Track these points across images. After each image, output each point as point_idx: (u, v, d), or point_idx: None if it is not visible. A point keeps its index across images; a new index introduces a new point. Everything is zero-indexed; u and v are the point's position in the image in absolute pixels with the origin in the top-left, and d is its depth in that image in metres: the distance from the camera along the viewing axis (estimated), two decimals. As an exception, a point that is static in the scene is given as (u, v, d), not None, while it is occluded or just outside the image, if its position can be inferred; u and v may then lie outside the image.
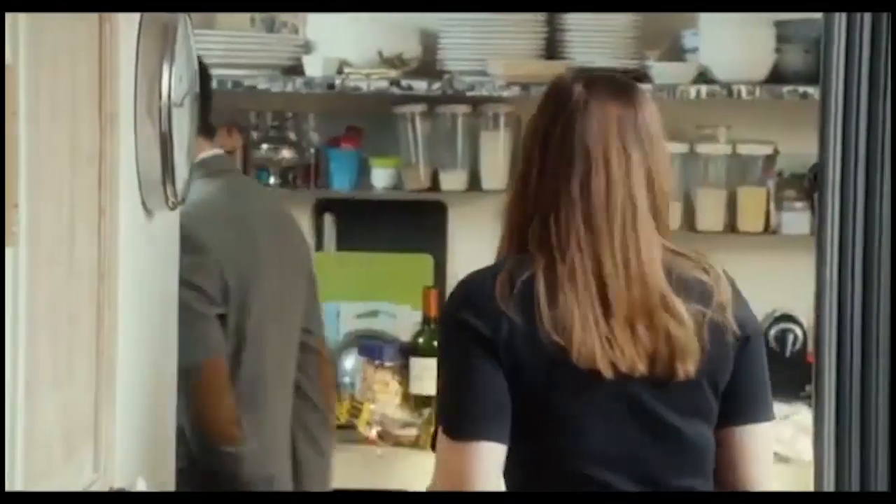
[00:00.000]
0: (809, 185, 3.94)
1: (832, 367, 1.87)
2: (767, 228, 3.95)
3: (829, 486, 1.82)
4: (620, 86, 2.29)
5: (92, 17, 1.98)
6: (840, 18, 1.80)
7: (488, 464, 2.18)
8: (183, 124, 2.53)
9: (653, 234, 2.18)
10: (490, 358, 2.16)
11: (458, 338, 2.20)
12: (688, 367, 2.13)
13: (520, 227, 2.24)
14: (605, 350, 2.14)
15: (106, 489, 2.00)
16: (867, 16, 1.73)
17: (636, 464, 2.19)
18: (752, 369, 2.18)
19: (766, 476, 2.19)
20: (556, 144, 2.21)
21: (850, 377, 1.78)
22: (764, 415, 2.17)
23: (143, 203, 2.38)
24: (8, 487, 1.58)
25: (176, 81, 2.39)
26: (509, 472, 2.20)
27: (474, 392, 2.17)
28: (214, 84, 3.78)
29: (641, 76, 3.80)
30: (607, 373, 2.13)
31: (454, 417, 2.18)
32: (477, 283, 2.23)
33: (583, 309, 2.14)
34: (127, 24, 2.18)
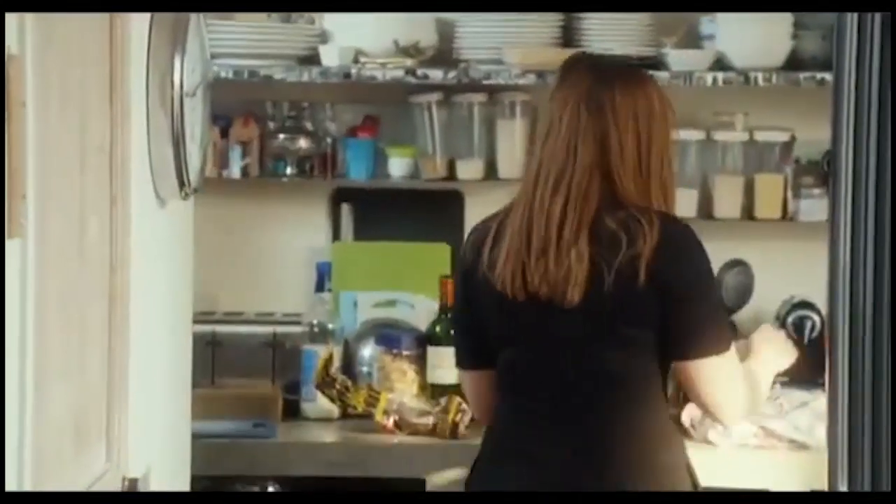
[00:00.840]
0: (824, 171, 3.93)
1: (845, 353, 1.86)
2: (785, 215, 3.93)
3: (842, 472, 1.81)
4: (606, 65, 2.71)
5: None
6: (852, 15, 1.79)
7: (479, 386, 2.76)
8: (196, 114, 2.54)
9: (590, 188, 2.58)
10: (464, 302, 2.72)
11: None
12: (574, 295, 2.54)
13: None
14: (517, 277, 2.58)
15: (118, 479, 2.00)
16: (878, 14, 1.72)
17: (547, 380, 2.61)
18: (678, 315, 2.54)
19: (717, 400, 2.58)
20: (545, 111, 2.67)
21: (861, 365, 1.78)
22: (698, 352, 2.55)
23: (156, 193, 2.38)
24: (18, 478, 1.58)
25: (188, 72, 2.40)
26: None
27: (458, 332, 2.81)
28: (231, 74, 3.80)
29: (653, 64, 3.79)
30: (519, 295, 2.57)
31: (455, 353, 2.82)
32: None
33: (510, 246, 2.59)
34: (138, 14, 2.18)
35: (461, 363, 2.81)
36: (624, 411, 2.59)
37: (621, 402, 2.60)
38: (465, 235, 2.82)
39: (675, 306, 2.55)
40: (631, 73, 2.71)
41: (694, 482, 2.62)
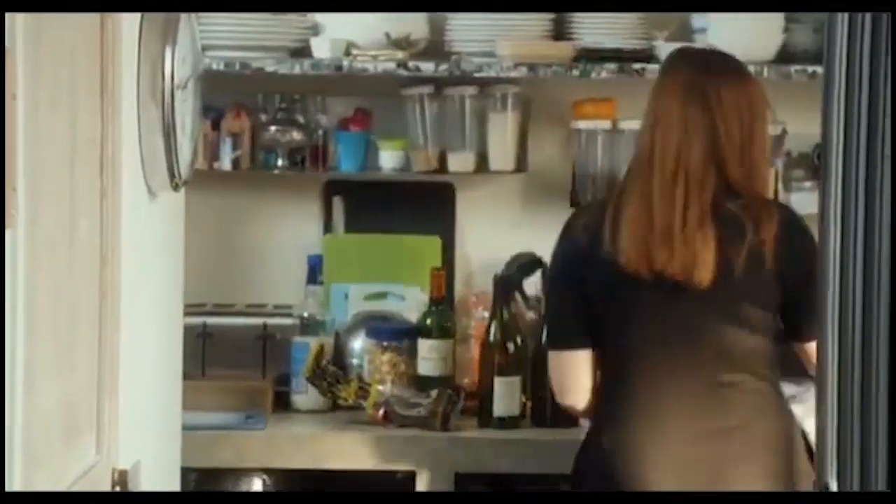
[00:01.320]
0: (815, 164, 3.93)
1: (835, 346, 1.86)
2: (776, 209, 3.94)
3: (832, 469, 1.81)
4: (711, 60, 2.91)
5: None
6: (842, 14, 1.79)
7: (580, 366, 2.88)
8: (186, 106, 2.54)
9: (706, 176, 2.77)
10: (576, 282, 2.86)
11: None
12: (703, 277, 2.72)
13: None
14: (643, 260, 2.76)
15: (108, 471, 2.00)
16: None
17: (670, 359, 2.78)
18: (798, 299, 2.75)
19: None
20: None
21: (851, 358, 1.78)
22: (816, 334, 2.63)
23: (147, 185, 2.38)
24: (8, 470, 1.58)
25: (179, 64, 2.40)
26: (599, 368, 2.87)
27: (563, 312, 2.92)
28: (222, 66, 3.80)
29: (645, 57, 3.80)
30: (645, 277, 2.76)
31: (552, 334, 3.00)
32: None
33: (632, 229, 2.78)
34: (129, 6, 2.18)
35: (565, 344, 2.91)
36: (747, 391, 2.78)
37: (744, 382, 2.78)
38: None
39: (796, 290, 2.77)
40: (735, 68, 2.91)
41: (809, 447, 2.76)
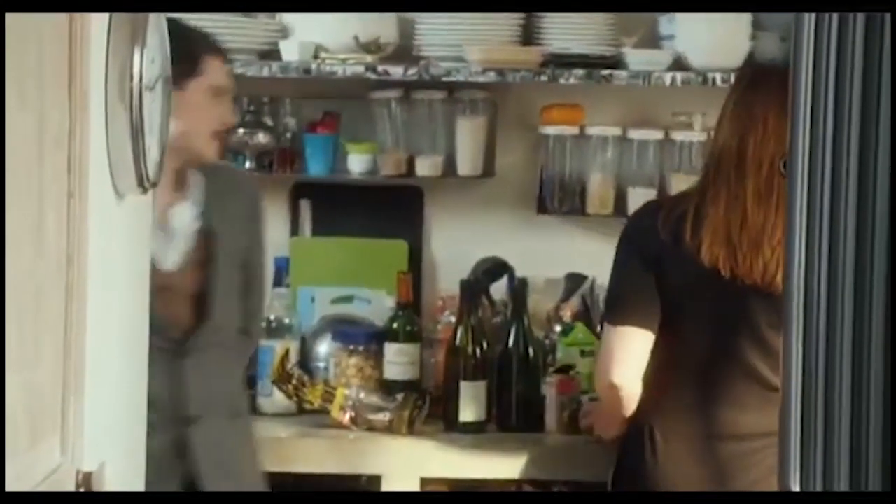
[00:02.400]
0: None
1: (798, 352, 1.87)
2: (742, 216, 3.95)
3: (794, 470, 1.82)
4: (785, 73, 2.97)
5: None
6: (809, 15, 1.80)
7: (639, 346, 2.95)
8: (155, 107, 2.53)
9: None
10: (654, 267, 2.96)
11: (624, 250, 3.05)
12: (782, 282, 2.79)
13: None
14: (728, 260, 2.87)
15: (73, 473, 1.99)
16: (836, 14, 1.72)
17: (737, 360, 2.87)
18: None
19: None
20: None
21: (815, 361, 1.79)
22: None
23: (115, 186, 2.37)
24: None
25: (148, 64, 2.39)
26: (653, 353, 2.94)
27: (633, 290, 2.98)
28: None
29: (612, 63, 3.81)
30: (726, 275, 2.87)
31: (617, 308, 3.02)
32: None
33: (717, 229, 2.88)
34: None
35: (630, 319, 2.97)
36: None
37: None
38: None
39: None
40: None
41: None
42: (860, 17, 1.63)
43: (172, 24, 2.89)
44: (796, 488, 1.74)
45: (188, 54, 2.87)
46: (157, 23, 2.46)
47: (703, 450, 2.90)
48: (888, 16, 1.52)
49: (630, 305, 2.99)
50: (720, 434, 2.91)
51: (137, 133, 2.34)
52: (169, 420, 2.93)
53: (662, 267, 2.96)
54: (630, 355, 2.97)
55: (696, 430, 2.91)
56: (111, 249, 2.34)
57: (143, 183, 2.43)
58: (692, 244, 2.92)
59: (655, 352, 2.96)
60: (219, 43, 2.98)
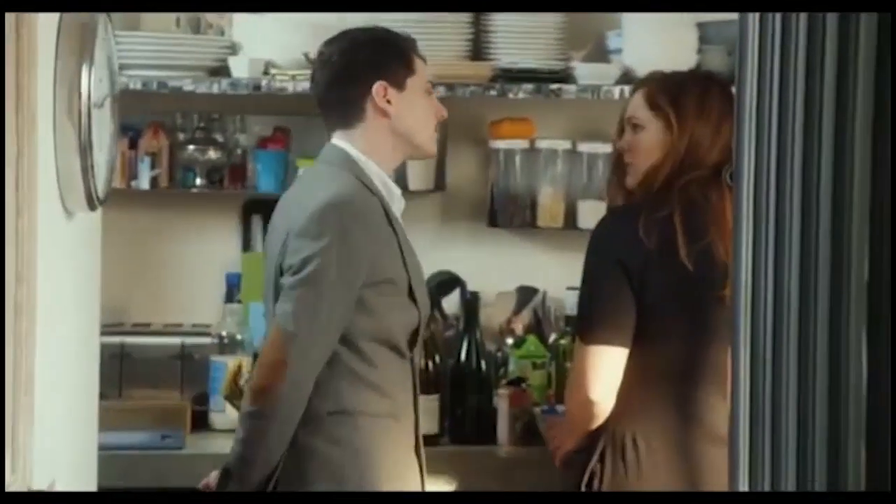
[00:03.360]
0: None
1: (747, 356, 1.89)
2: (691, 227, 3.98)
3: (743, 471, 1.83)
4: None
5: (8, 17, 1.97)
6: (753, 18, 1.82)
7: (619, 364, 2.88)
8: (103, 125, 2.53)
9: None
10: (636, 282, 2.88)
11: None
12: None
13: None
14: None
15: (24, 491, 1.99)
16: (778, 15, 1.75)
17: (717, 365, 2.83)
18: None
19: None
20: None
21: (762, 366, 1.81)
22: None
23: (63, 204, 2.37)
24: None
25: (96, 83, 2.39)
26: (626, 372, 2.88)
27: (617, 310, 2.88)
28: (139, 85, 3.78)
29: (561, 77, 3.83)
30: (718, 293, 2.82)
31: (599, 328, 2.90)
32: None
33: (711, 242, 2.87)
34: (45, 23, 2.17)
35: (612, 339, 2.89)
36: None
37: None
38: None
39: None
40: None
41: None
42: (802, 17, 1.65)
43: (382, 30, 2.96)
44: (745, 488, 1.76)
45: (402, 55, 2.94)
46: (104, 41, 2.46)
47: (686, 454, 2.91)
48: (833, 16, 1.53)
49: (608, 324, 2.90)
50: (702, 438, 2.92)
51: (86, 151, 2.34)
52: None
53: (644, 277, 2.89)
54: (607, 373, 2.91)
55: (678, 436, 2.91)
56: (60, 267, 2.34)
57: (92, 201, 2.43)
58: (687, 256, 2.87)
59: (635, 359, 2.93)
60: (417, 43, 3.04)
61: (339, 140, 2.91)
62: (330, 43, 2.98)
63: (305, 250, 2.74)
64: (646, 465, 2.91)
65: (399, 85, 2.89)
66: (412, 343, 2.87)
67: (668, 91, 3.06)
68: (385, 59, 2.90)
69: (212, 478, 2.86)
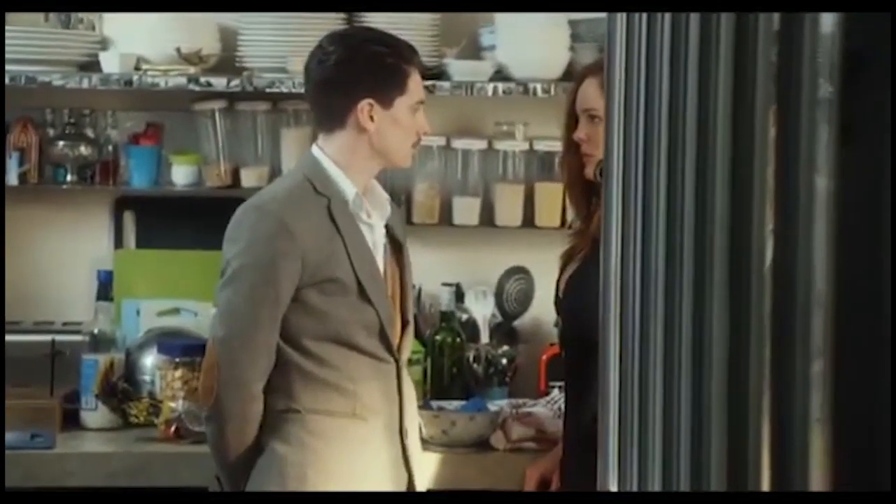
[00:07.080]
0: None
1: (615, 355, 1.91)
2: (564, 223, 4.02)
3: (612, 471, 1.85)
4: None
5: None
6: (621, 17, 1.83)
7: None
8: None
9: None
10: None
11: None
12: None
13: None
14: None
15: None
16: (644, 15, 1.77)
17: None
18: None
19: None
20: None
21: (630, 365, 1.83)
22: None
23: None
24: None
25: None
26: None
27: None
28: (7, 80, 3.73)
29: (435, 74, 3.85)
30: None
31: None
32: None
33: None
34: None
35: None
36: None
37: None
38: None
39: None
40: None
41: None
42: (667, 16, 1.68)
43: (387, 40, 2.92)
44: (614, 488, 1.78)
45: (398, 72, 2.92)
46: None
47: None
48: (695, 15, 1.55)
49: None
50: None
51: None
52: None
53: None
54: None
55: None
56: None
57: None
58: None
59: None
60: (420, 55, 3.01)
61: (316, 145, 2.95)
62: (332, 41, 2.96)
63: (227, 254, 2.86)
64: None
65: (386, 104, 2.91)
66: (387, 345, 2.87)
67: None
68: (379, 78, 2.90)
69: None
